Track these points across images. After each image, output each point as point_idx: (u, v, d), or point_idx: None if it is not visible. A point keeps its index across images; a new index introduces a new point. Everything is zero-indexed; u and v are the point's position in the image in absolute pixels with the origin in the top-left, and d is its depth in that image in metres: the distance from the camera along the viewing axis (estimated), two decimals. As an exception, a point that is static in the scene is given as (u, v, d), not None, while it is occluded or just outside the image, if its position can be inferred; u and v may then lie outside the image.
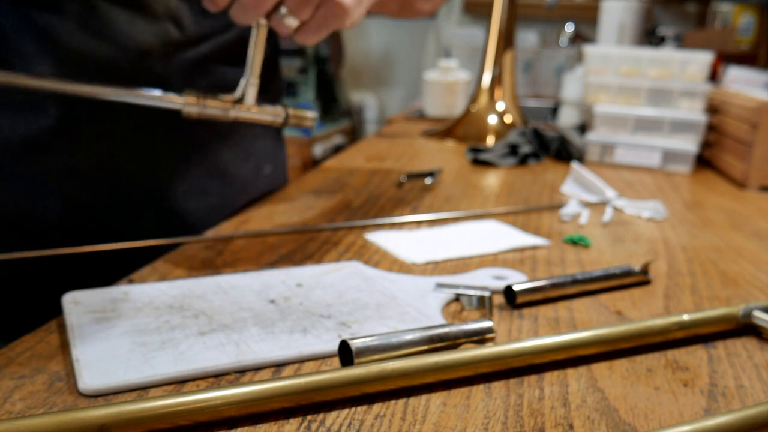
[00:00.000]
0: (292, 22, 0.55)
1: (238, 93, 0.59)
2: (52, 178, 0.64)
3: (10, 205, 0.64)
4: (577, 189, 0.92)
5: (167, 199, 0.70)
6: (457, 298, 0.53)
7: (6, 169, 0.63)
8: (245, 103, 0.59)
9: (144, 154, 0.67)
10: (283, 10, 0.53)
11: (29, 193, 0.64)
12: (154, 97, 0.56)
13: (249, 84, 0.59)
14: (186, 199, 0.71)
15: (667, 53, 1.18)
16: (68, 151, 0.63)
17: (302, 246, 0.65)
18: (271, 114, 0.60)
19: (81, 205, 0.65)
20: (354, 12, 0.54)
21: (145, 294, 0.51)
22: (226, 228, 0.69)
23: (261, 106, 0.60)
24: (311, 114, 0.63)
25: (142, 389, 0.39)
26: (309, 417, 0.37)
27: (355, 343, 0.41)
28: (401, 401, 0.39)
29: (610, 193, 0.86)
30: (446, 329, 0.44)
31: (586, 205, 0.85)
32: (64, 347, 0.43)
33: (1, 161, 0.63)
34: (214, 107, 0.57)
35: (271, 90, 0.73)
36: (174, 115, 0.66)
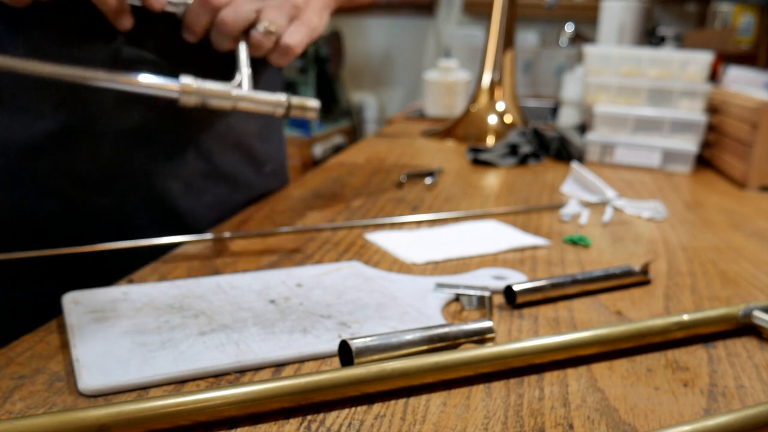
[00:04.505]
0: (270, 36, 0.57)
1: (235, 82, 0.58)
2: (51, 179, 0.64)
3: (9, 206, 0.64)
4: (577, 189, 0.92)
5: (167, 199, 0.70)
6: (457, 298, 0.53)
7: (5, 171, 0.63)
8: (243, 89, 0.58)
9: (142, 155, 0.67)
10: (260, 26, 0.57)
11: (28, 195, 0.64)
12: (148, 84, 0.54)
13: (242, 74, 0.58)
14: (186, 200, 0.71)
15: (667, 53, 1.18)
16: (66, 153, 0.63)
17: (302, 246, 0.65)
18: (273, 103, 0.59)
19: (80, 206, 0.65)
20: (318, 24, 0.62)
21: (145, 294, 0.51)
22: (226, 228, 0.69)
23: (261, 93, 0.59)
24: (313, 103, 0.61)
25: (142, 389, 0.39)
26: (309, 417, 0.37)
27: (355, 343, 0.41)
28: (401, 401, 0.39)
29: (610, 193, 0.86)
30: (446, 329, 0.44)
31: (586, 205, 0.85)
32: (64, 347, 0.43)
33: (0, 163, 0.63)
34: (213, 94, 0.56)
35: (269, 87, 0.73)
36: (173, 116, 0.66)
